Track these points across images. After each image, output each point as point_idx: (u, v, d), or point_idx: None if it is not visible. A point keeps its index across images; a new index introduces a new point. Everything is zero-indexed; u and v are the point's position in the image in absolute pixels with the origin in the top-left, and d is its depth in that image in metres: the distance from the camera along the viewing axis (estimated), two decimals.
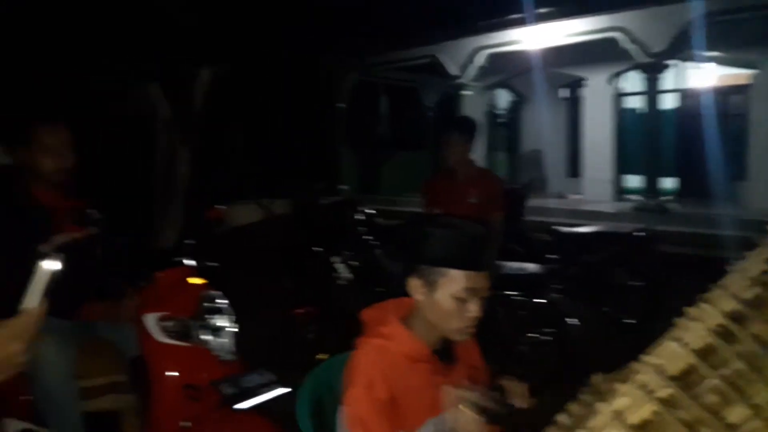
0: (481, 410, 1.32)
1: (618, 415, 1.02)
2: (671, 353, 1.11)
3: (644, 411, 1.02)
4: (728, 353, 1.09)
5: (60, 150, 2.37)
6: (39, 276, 0.98)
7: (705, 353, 1.13)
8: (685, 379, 1.09)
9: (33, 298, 0.99)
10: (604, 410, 1.05)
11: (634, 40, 9.63)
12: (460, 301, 1.51)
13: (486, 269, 1.54)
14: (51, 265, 0.98)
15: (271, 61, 10.16)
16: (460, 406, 1.32)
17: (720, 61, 10.84)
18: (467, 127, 3.82)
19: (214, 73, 6.96)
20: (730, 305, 1.17)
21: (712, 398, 1.05)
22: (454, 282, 1.51)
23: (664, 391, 1.03)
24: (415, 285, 1.57)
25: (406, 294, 1.65)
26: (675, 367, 1.10)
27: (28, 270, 0.99)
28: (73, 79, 6.36)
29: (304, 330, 4.15)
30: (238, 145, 9.64)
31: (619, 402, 1.05)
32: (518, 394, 1.48)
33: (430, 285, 1.53)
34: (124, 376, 2.33)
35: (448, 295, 1.51)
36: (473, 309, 1.52)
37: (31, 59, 6.28)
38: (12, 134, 2.37)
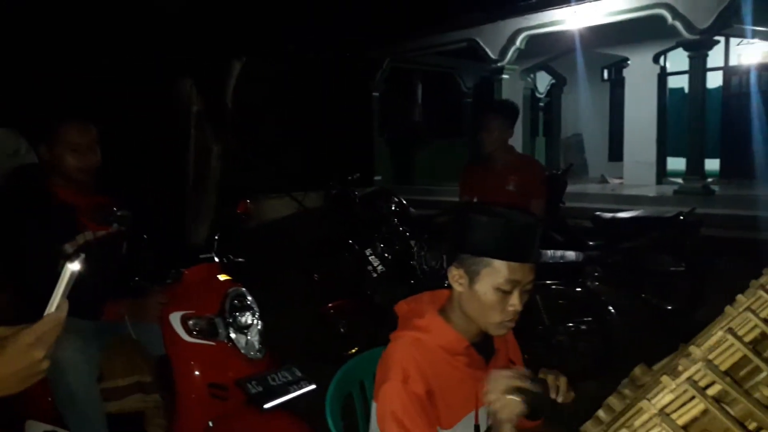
0: (526, 396, 1.26)
1: (665, 414, 0.92)
2: (722, 344, 1.01)
3: (694, 409, 0.92)
4: None
5: (86, 149, 2.36)
6: (63, 279, 0.94)
7: (758, 344, 1.03)
8: (736, 373, 1.00)
9: (56, 302, 0.96)
10: (648, 408, 0.95)
11: (678, 17, 9.24)
12: (502, 293, 1.45)
13: (532, 261, 1.47)
14: (75, 267, 0.94)
15: (304, 52, 10.15)
16: (505, 392, 1.25)
17: None
18: (506, 111, 3.69)
19: (247, 66, 6.96)
20: None
21: (764, 392, 0.95)
22: (497, 273, 1.44)
23: (715, 388, 0.93)
24: (456, 275, 1.51)
25: (439, 286, 1.60)
26: (727, 361, 1.00)
27: (51, 270, 0.96)
28: (104, 74, 6.46)
29: (337, 324, 4.11)
30: (271, 139, 9.66)
31: (665, 399, 0.95)
32: (558, 388, 1.40)
33: (472, 275, 1.48)
34: (149, 375, 2.31)
35: (490, 287, 1.45)
36: (515, 302, 1.46)
37: (63, 56, 6.39)
38: (39, 132, 2.37)
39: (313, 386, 2.22)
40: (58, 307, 0.96)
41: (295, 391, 2.20)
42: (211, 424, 2.15)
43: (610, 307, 3.93)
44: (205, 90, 6.64)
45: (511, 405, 1.24)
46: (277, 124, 10.08)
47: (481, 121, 3.64)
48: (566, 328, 4.04)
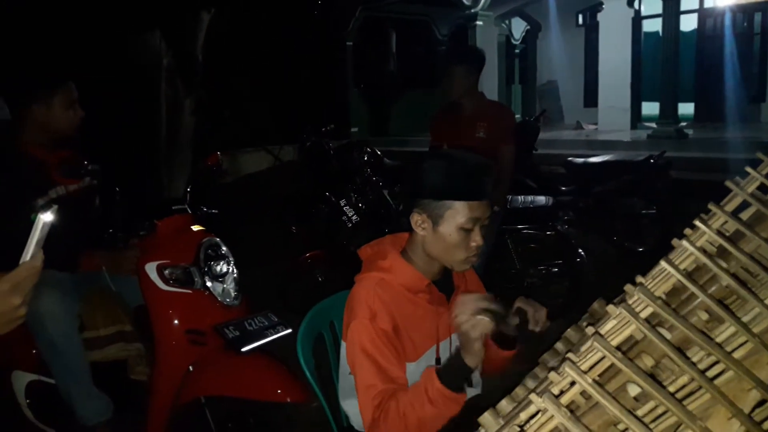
0: (493, 315, 1.33)
1: (598, 334, 0.99)
2: (661, 274, 1.08)
3: (627, 330, 0.99)
4: (719, 272, 1.06)
5: (75, 106, 2.40)
6: (36, 228, 0.97)
7: (695, 273, 1.10)
8: (673, 299, 1.07)
9: (31, 251, 0.98)
10: (589, 332, 1.02)
11: None
12: (465, 231, 1.52)
13: (488, 197, 1.54)
14: (47, 217, 0.96)
15: (275, 0, 9.90)
16: (473, 313, 1.32)
17: None
18: (472, 57, 3.66)
19: (216, 17, 6.81)
20: (724, 223, 1.13)
21: (701, 317, 1.02)
22: (459, 213, 1.51)
23: (647, 311, 1.00)
24: (418, 220, 1.58)
25: (411, 231, 1.65)
26: (661, 287, 1.07)
27: (25, 224, 0.99)
28: (74, 29, 6.27)
29: (314, 273, 4.18)
30: (244, 91, 9.51)
31: (608, 325, 1.02)
32: (536, 317, 1.48)
33: (435, 219, 1.54)
34: (129, 325, 2.37)
35: (454, 227, 1.52)
36: (477, 238, 1.53)
37: (32, 11, 6.18)
38: (33, 92, 2.36)
39: (289, 330, 2.29)
40: (32, 256, 0.98)
41: (271, 335, 2.27)
42: (191, 368, 2.22)
43: (580, 250, 4.04)
44: (174, 43, 6.52)
45: (480, 324, 1.31)
46: (249, 76, 9.90)
47: (447, 69, 3.62)
48: (537, 270, 4.17)
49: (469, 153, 1.61)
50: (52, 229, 0.98)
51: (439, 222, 1.53)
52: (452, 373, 1.38)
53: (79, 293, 2.33)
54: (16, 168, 2.32)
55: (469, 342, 1.33)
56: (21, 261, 0.98)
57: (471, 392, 1.67)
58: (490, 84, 11.45)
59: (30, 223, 0.96)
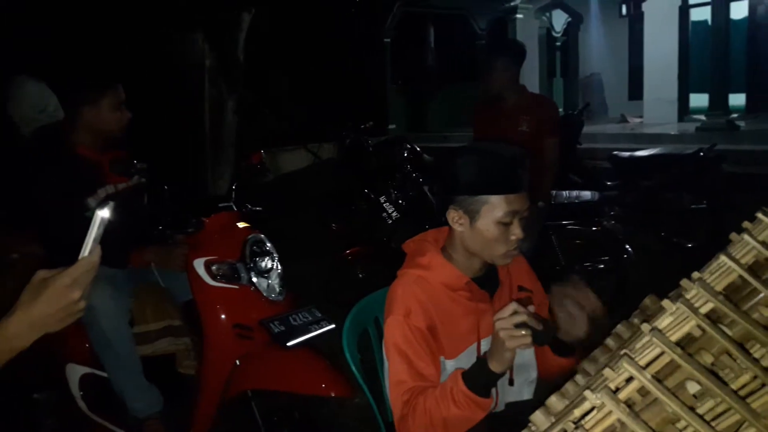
0: (533, 333, 1.29)
1: (660, 333, 0.96)
2: (721, 269, 1.05)
3: (686, 326, 0.95)
4: None
5: (122, 108, 2.43)
6: (94, 225, 1.00)
7: (758, 267, 1.05)
8: (735, 295, 1.02)
9: (89, 247, 1.01)
10: (647, 329, 1.00)
11: None
12: (504, 225, 1.50)
13: (524, 189, 1.51)
14: (105, 214, 1.00)
15: (313, 0, 9.96)
16: (515, 325, 1.29)
17: None
18: (512, 50, 3.61)
19: (257, 17, 6.89)
20: None
21: (762, 312, 0.98)
22: (496, 208, 1.49)
23: (707, 306, 0.97)
24: (455, 217, 1.56)
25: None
26: (722, 281, 1.03)
27: (78, 222, 1.02)
28: (122, 33, 6.44)
29: (355, 270, 4.19)
30: (283, 90, 9.61)
31: (666, 321, 0.99)
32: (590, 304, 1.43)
33: (472, 215, 1.52)
34: (178, 320, 2.42)
35: (492, 222, 1.50)
36: (516, 231, 1.51)
37: (82, 16, 6.37)
38: (82, 94, 2.42)
39: (333, 326, 2.31)
40: (90, 252, 1.02)
41: (315, 330, 2.29)
42: (237, 362, 2.26)
43: (627, 246, 3.95)
44: (216, 44, 6.63)
45: (518, 338, 1.28)
46: (289, 75, 10.00)
47: (488, 62, 3.58)
48: (583, 267, 4.09)
49: (502, 145, 1.58)
50: (105, 227, 1.01)
51: (476, 218, 1.51)
52: (477, 377, 1.36)
53: (129, 289, 2.40)
54: (69, 168, 2.39)
55: (502, 350, 1.30)
56: (80, 256, 1.02)
57: (524, 396, 1.65)
58: (531, 78, 11.29)
59: (84, 221, 0.99)
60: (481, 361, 1.37)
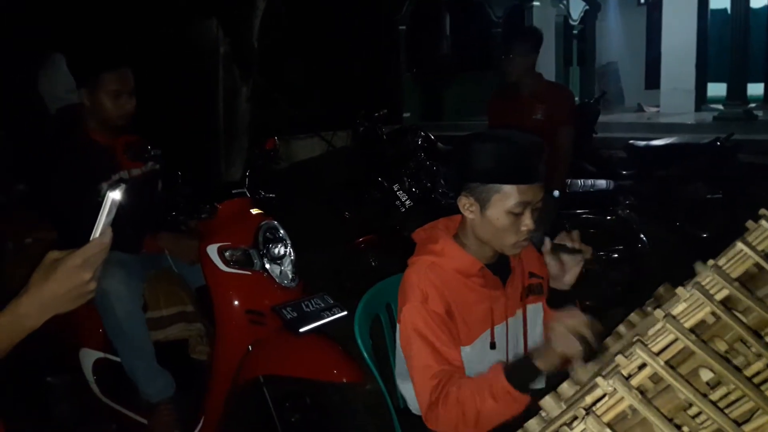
0: (585, 345, 1.26)
1: (671, 316, 0.95)
2: (737, 256, 1.03)
3: (701, 312, 0.94)
4: None
5: (125, 95, 2.39)
6: (105, 206, 1.00)
7: None
8: (750, 283, 1.01)
9: (100, 228, 1.02)
10: (659, 315, 0.99)
11: None
12: (514, 215, 1.48)
13: (539, 180, 1.49)
14: (116, 196, 1.00)
15: None
16: (571, 332, 1.26)
17: None
18: (529, 37, 3.58)
19: (271, 4, 6.88)
20: None
21: None
22: (507, 197, 1.47)
23: (723, 293, 0.95)
24: (466, 204, 1.55)
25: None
26: (738, 268, 1.02)
27: (91, 206, 1.02)
28: (135, 17, 6.46)
29: (368, 258, 4.20)
30: (297, 78, 9.59)
31: (679, 308, 0.98)
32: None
33: (483, 203, 1.50)
34: (191, 305, 2.44)
35: (502, 211, 1.48)
36: (527, 222, 1.49)
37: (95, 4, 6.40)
38: (80, 78, 2.40)
39: (345, 312, 2.30)
40: (102, 233, 1.02)
41: (328, 317, 2.29)
42: (250, 348, 2.27)
43: (642, 236, 3.92)
44: (231, 31, 6.63)
45: (573, 346, 1.24)
46: (303, 63, 9.97)
47: (504, 50, 3.55)
48: (597, 256, 4.06)
49: (519, 133, 1.55)
50: (118, 211, 1.01)
51: (487, 206, 1.50)
52: (520, 373, 1.34)
53: (143, 274, 2.41)
54: (82, 152, 2.39)
55: (553, 352, 1.28)
56: (91, 238, 1.02)
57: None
58: (547, 66, 11.17)
59: (96, 205, 0.99)
60: (527, 358, 1.35)
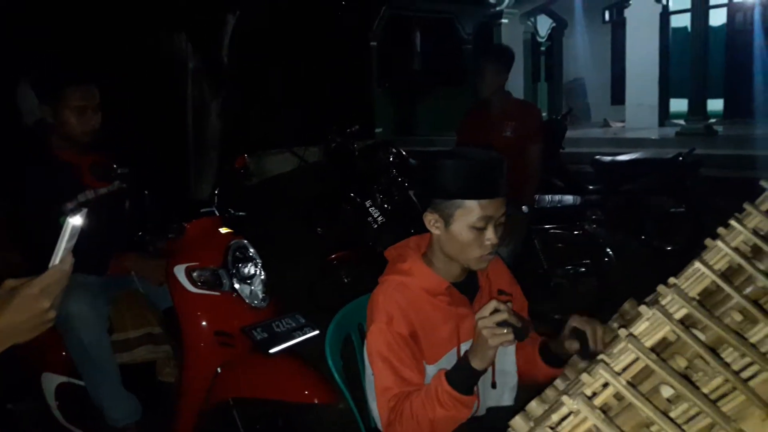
0: (514, 330, 1.32)
1: (632, 335, 0.98)
2: (695, 274, 1.07)
3: (661, 332, 0.97)
4: (755, 273, 1.04)
5: (89, 111, 2.35)
6: (65, 232, 0.97)
7: (730, 273, 1.08)
8: (710, 299, 1.05)
9: (60, 255, 0.99)
10: (623, 334, 1.01)
11: None
12: (477, 230, 1.50)
13: (500, 195, 1.51)
14: (76, 221, 0.97)
15: (299, 3, 9.94)
16: (496, 324, 1.31)
17: None
18: (501, 56, 3.65)
19: (241, 19, 6.87)
20: (759, 222, 1.11)
21: (734, 317, 1.00)
22: (469, 212, 1.50)
23: (681, 312, 0.99)
24: (431, 220, 1.57)
25: None
26: (696, 287, 1.05)
27: (55, 228, 0.99)
28: (101, 32, 6.38)
29: (340, 274, 4.19)
30: (269, 93, 9.58)
31: (642, 327, 1.01)
32: (596, 335, 1.40)
33: (447, 218, 1.53)
34: (158, 327, 2.39)
35: (465, 226, 1.51)
36: (491, 236, 1.51)
37: (58, 13, 6.30)
38: (43, 94, 2.35)
39: (317, 332, 2.29)
40: (61, 260, 0.99)
41: (299, 336, 2.27)
42: (219, 370, 2.24)
43: (608, 250, 3.99)
44: (200, 45, 6.60)
45: (501, 336, 1.30)
46: (274, 78, 9.97)
47: (476, 68, 3.62)
48: (565, 270, 4.12)
49: (480, 150, 1.59)
50: (82, 233, 0.99)
51: (450, 221, 1.52)
52: (460, 376, 1.38)
53: (108, 296, 2.36)
54: (46, 170, 2.34)
55: (485, 348, 1.33)
56: (50, 265, 0.99)
57: (504, 402, 1.66)
58: (516, 82, 11.35)
59: (59, 227, 0.97)
60: (464, 359, 1.38)
